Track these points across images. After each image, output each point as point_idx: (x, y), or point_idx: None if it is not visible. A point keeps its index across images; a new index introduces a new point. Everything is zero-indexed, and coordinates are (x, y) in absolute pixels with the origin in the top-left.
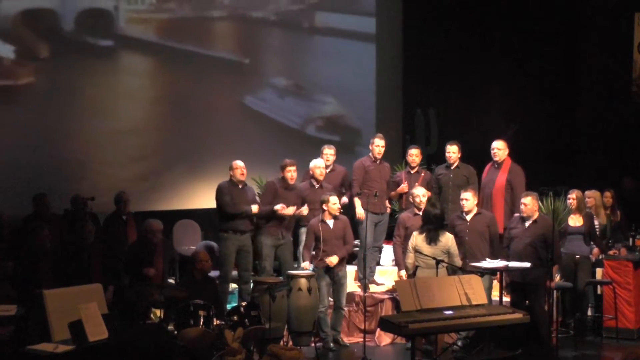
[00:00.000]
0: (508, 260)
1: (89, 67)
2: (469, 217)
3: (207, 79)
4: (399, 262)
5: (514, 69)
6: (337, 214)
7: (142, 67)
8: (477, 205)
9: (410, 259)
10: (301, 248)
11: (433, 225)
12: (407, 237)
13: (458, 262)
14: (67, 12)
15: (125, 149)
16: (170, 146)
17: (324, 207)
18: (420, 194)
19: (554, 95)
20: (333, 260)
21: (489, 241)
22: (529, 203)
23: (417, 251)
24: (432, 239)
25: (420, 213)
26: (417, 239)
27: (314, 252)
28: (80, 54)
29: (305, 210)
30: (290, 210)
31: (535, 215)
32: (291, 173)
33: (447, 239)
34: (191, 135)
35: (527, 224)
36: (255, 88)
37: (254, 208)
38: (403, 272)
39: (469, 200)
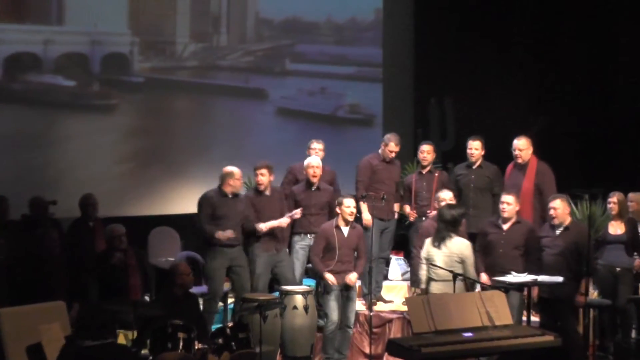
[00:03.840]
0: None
1: (119, 98)
2: (505, 226)
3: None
4: (419, 278)
5: (542, 53)
6: (350, 219)
7: (158, 95)
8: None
9: (423, 269)
10: (297, 262)
11: (446, 226)
12: None
13: (472, 273)
14: (95, 55)
15: (93, 146)
16: (147, 144)
17: (338, 210)
18: (447, 197)
19: (587, 83)
20: (353, 278)
21: (526, 254)
22: (558, 207)
23: (429, 260)
24: (440, 242)
25: None
26: (429, 247)
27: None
28: (107, 88)
29: (298, 213)
30: (271, 224)
31: (567, 221)
32: (259, 177)
33: (461, 246)
34: (171, 134)
35: (557, 231)
36: (284, 92)
37: (228, 233)
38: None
39: (510, 204)
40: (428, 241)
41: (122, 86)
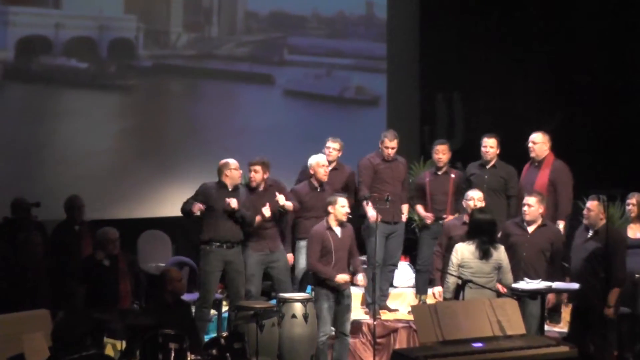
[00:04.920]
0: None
1: (129, 83)
2: (531, 229)
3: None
4: (435, 277)
5: (558, 44)
6: (345, 219)
7: (167, 83)
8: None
9: (453, 278)
10: (301, 265)
11: (487, 237)
12: (449, 248)
13: (510, 278)
14: (102, 40)
15: (79, 144)
16: (138, 139)
17: (330, 209)
18: (476, 197)
19: (606, 79)
20: (362, 279)
21: (550, 260)
22: (593, 208)
23: (463, 267)
24: (485, 254)
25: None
26: (464, 253)
27: None
28: (117, 73)
29: (287, 204)
30: (234, 203)
31: (600, 224)
32: (252, 173)
33: (500, 253)
34: (166, 128)
35: (589, 234)
36: (290, 76)
37: (196, 208)
38: (438, 290)
39: (532, 207)
40: (461, 246)
41: (123, 73)
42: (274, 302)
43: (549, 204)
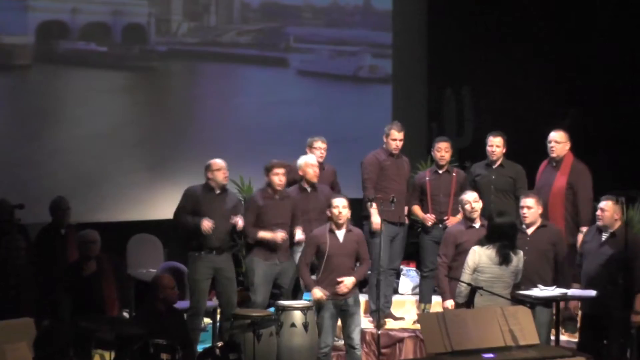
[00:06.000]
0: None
1: (138, 70)
2: (530, 231)
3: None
4: (443, 290)
5: (572, 36)
6: (340, 221)
7: (176, 69)
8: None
9: (466, 280)
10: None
11: (508, 241)
12: (456, 256)
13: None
14: (116, 25)
15: (67, 142)
16: (129, 136)
17: (328, 212)
18: (471, 199)
19: (623, 71)
20: (348, 283)
21: (554, 263)
22: (607, 209)
23: (478, 272)
24: (505, 259)
25: (475, 225)
26: (482, 257)
27: (313, 277)
28: (129, 59)
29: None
30: (280, 236)
31: (616, 226)
32: (279, 177)
33: (519, 258)
34: (161, 123)
35: (603, 237)
36: (304, 57)
37: (206, 225)
38: (450, 303)
39: (531, 208)
40: (478, 249)
41: (133, 59)
42: (272, 310)
43: (568, 208)
